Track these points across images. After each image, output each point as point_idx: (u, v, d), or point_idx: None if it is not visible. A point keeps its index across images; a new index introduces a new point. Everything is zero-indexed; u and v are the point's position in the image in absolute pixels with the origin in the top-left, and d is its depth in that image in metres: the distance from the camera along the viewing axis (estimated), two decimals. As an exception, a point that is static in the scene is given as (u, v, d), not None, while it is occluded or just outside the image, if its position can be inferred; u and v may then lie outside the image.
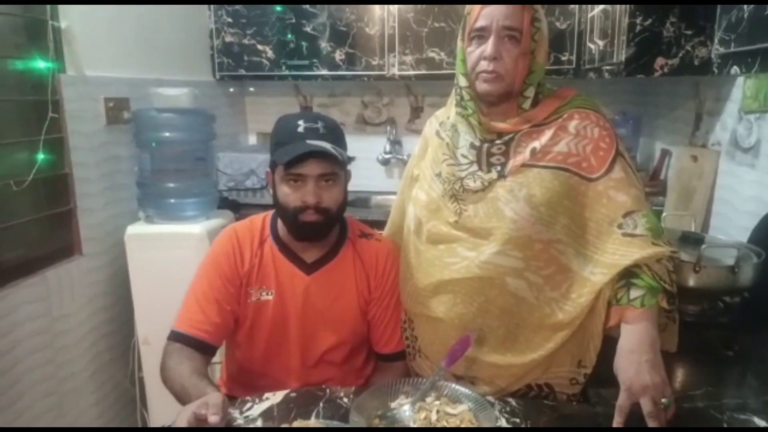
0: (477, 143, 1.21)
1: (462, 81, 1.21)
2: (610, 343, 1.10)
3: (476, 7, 1.15)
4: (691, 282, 1.32)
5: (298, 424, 1.04)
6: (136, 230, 2.10)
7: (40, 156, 1.77)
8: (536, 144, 1.17)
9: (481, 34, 1.15)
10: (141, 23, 2.27)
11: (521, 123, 1.19)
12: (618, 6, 1.91)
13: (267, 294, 1.30)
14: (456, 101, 1.25)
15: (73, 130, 1.91)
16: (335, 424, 1.03)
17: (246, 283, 1.30)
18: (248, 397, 1.15)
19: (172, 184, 2.16)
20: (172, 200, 2.15)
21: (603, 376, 1.14)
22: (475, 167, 1.21)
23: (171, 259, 2.04)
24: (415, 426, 1.03)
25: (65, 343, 1.91)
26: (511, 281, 1.15)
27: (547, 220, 1.14)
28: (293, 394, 1.16)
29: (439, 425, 1.03)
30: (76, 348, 1.96)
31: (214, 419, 0.95)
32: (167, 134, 2.14)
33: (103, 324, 2.11)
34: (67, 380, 1.92)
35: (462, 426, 1.02)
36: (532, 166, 1.16)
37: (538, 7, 1.15)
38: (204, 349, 1.24)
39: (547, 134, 1.17)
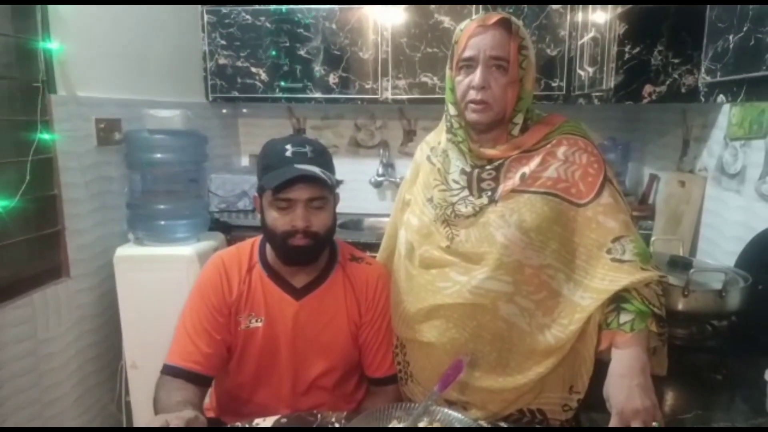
0: (468, 169, 1.22)
1: (452, 110, 1.22)
2: (601, 367, 1.10)
3: (463, 37, 1.17)
4: (680, 306, 1.33)
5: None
6: (126, 252, 2.08)
7: (28, 177, 1.76)
8: (525, 169, 1.18)
9: (469, 64, 1.16)
10: (134, 44, 2.29)
11: (511, 149, 1.20)
12: (607, 34, 1.95)
13: (256, 321, 1.29)
14: (447, 128, 1.26)
15: (62, 150, 1.90)
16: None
17: (235, 312, 1.29)
18: (238, 423, 1.14)
19: (162, 206, 2.15)
20: (163, 222, 2.14)
21: (594, 400, 1.14)
22: (466, 192, 1.22)
23: (161, 281, 2.02)
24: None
25: (50, 367, 1.88)
26: (503, 306, 1.16)
27: (537, 246, 1.15)
28: (284, 420, 1.15)
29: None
30: (61, 371, 1.93)
31: (175, 422, 0.94)
32: (159, 155, 2.14)
33: (90, 347, 2.08)
34: (51, 404, 1.88)
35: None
36: (523, 191, 1.17)
37: (525, 34, 1.17)
38: (196, 380, 1.23)
39: (536, 160, 1.18)
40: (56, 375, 1.91)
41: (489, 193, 1.19)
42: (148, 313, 2.01)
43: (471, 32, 1.15)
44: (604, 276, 1.11)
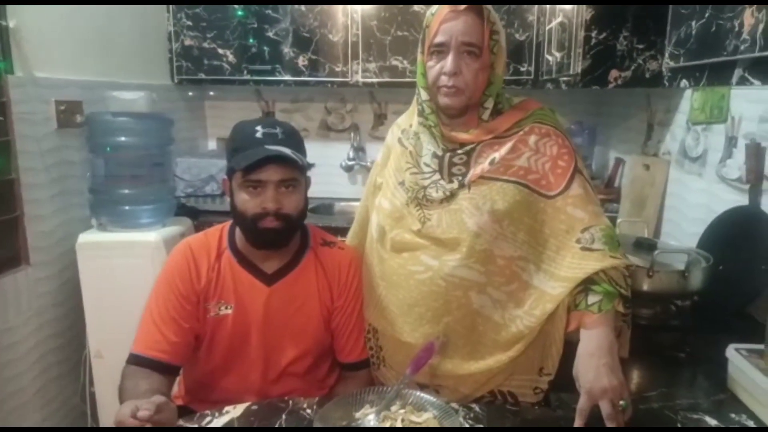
0: (439, 153, 1.22)
1: (423, 94, 1.22)
2: (570, 348, 1.12)
3: (435, 22, 1.15)
4: (645, 286, 1.36)
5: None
6: (88, 238, 2.02)
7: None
8: (496, 155, 1.18)
9: (440, 50, 1.16)
10: (96, 24, 2.20)
11: (483, 134, 1.20)
12: (575, 19, 1.97)
13: (226, 308, 1.27)
14: (418, 111, 1.25)
15: (20, 133, 1.83)
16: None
17: (204, 299, 1.26)
18: (207, 411, 1.12)
19: (127, 190, 2.09)
20: (127, 207, 2.09)
21: (563, 380, 1.16)
22: (437, 176, 1.21)
23: (125, 268, 1.98)
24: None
25: (10, 358, 1.82)
26: (475, 297, 1.17)
27: (509, 236, 1.16)
28: (254, 407, 1.14)
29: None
30: (21, 362, 1.87)
31: (143, 413, 0.91)
32: (123, 139, 2.08)
33: (52, 337, 2.02)
34: (11, 397, 1.83)
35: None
36: (494, 179, 1.17)
37: (496, 19, 1.17)
38: (164, 369, 1.20)
39: (507, 146, 1.19)
40: (16, 366, 1.84)
41: (459, 177, 1.19)
42: (112, 301, 1.96)
43: (443, 17, 1.14)
44: (573, 264, 1.13)
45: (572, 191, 1.17)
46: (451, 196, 1.19)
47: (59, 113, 1.98)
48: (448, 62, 1.14)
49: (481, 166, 1.18)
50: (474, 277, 1.16)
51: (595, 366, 1.02)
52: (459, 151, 1.21)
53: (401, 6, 2.56)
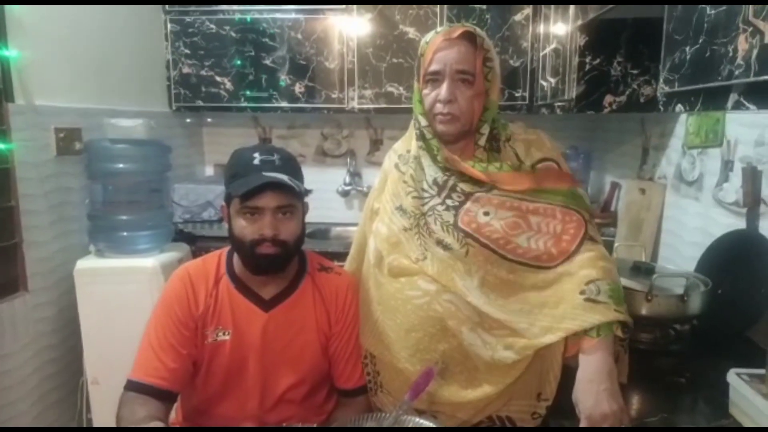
0: (440, 178, 1.23)
1: (422, 121, 1.23)
2: (568, 373, 1.11)
3: (429, 51, 1.17)
4: (644, 311, 1.36)
5: None
6: (86, 264, 2.02)
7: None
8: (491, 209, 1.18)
9: (435, 78, 1.18)
10: (95, 52, 2.23)
11: (487, 177, 1.20)
12: (569, 45, 2.00)
13: (224, 334, 1.26)
14: (417, 136, 1.27)
15: (20, 160, 1.84)
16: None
17: (202, 325, 1.26)
18: (205, 439, 1.11)
19: (124, 217, 2.10)
20: (125, 233, 2.09)
21: (563, 407, 1.15)
22: (437, 200, 1.22)
23: (123, 294, 1.97)
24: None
25: (7, 384, 1.80)
26: (466, 334, 1.16)
27: (499, 304, 1.15)
28: (252, 434, 1.12)
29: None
30: (19, 389, 1.85)
31: None
32: (121, 165, 2.09)
33: (49, 363, 2.00)
34: (8, 423, 1.80)
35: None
36: (493, 251, 1.16)
37: (490, 46, 1.19)
38: (162, 396, 1.19)
39: (507, 215, 1.18)
40: (13, 393, 1.82)
41: (456, 204, 1.20)
42: (110, 327, 1.95)
43: (437, 46, 1.16)
44: (576, 316, 1.10)
45: (579, 257, 1.15)
46: (446, 247, 1.18)
47: (58, 140, 1.99)
48: (443, 90, 1.16)
49: (472, 215, 1.18)
50: (468, 314, 1.16)
51: (595, 391, 1.01)
52: (460, 185, 1.21)
53: (396, 33, 2.60)
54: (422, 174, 1.25)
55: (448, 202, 1.21)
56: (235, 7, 2.66)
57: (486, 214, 1.18)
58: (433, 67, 1.17)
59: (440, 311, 1.17)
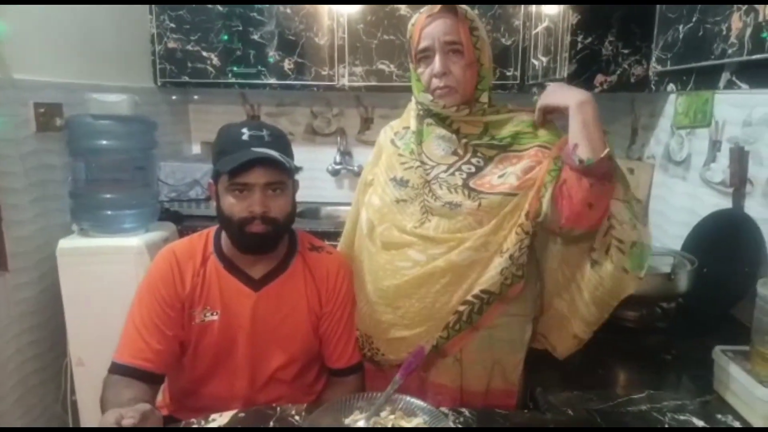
0: (460, 149, 1.24)
1: (425, 97, 1.24)
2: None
3: (416, 31, 1.20)
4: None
5: None
6: (69, 243, 1.98)
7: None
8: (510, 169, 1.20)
9: (426, 54, 1.20)
10: (77, 25, 2.16)
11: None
12: (560, 24, 1.98)
13: (212, 314, 1.24)
14: (420, 116, 1.27)
15: (-1, 136, 1.79)
16: None
17: (189, 306, 1.24)
18: (193, 420, 1.10)
19: (108, 195, 2.05)
20: (109, 212, 2.05)
21: (550, 382, 1.17)
22: (442, 168, 1.23)
23: (107, 274, 1.94)
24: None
25: (-12, 366, 1.78)
26: (456, 256, 1.19)
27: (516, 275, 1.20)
28: (241, 414, 1.12)
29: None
30: (1, 371, 1.82)
31: (128, 422, 0.90)
32: (104, 142, 2.04)
33: (32, 345, 1.97)
34: (-10, 406, 1.78)
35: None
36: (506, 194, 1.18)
37: (473, 15, 1.20)
38: (147, 378, 1.17)
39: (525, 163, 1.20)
40: (-5, 375, 1.80)
41: (472, 171, 1.21)
42: (94, 307, 1.92)
43: (422, 24, 1.20)
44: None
45: None
46: (456, 207, 1.19)
47: (38, 116, 1.94)
48: (436, 63, 1.19)
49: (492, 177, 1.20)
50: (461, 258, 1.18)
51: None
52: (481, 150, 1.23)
53: (387, 10, 2.56)
54: (430, 146, 1.26)
55: (465, 167, 1.22)
56: (221, -21, 2.60)
57: (501, 176, 1.20)
58: (423, 44, 1.20)
59: (428, 268, 1.19)
